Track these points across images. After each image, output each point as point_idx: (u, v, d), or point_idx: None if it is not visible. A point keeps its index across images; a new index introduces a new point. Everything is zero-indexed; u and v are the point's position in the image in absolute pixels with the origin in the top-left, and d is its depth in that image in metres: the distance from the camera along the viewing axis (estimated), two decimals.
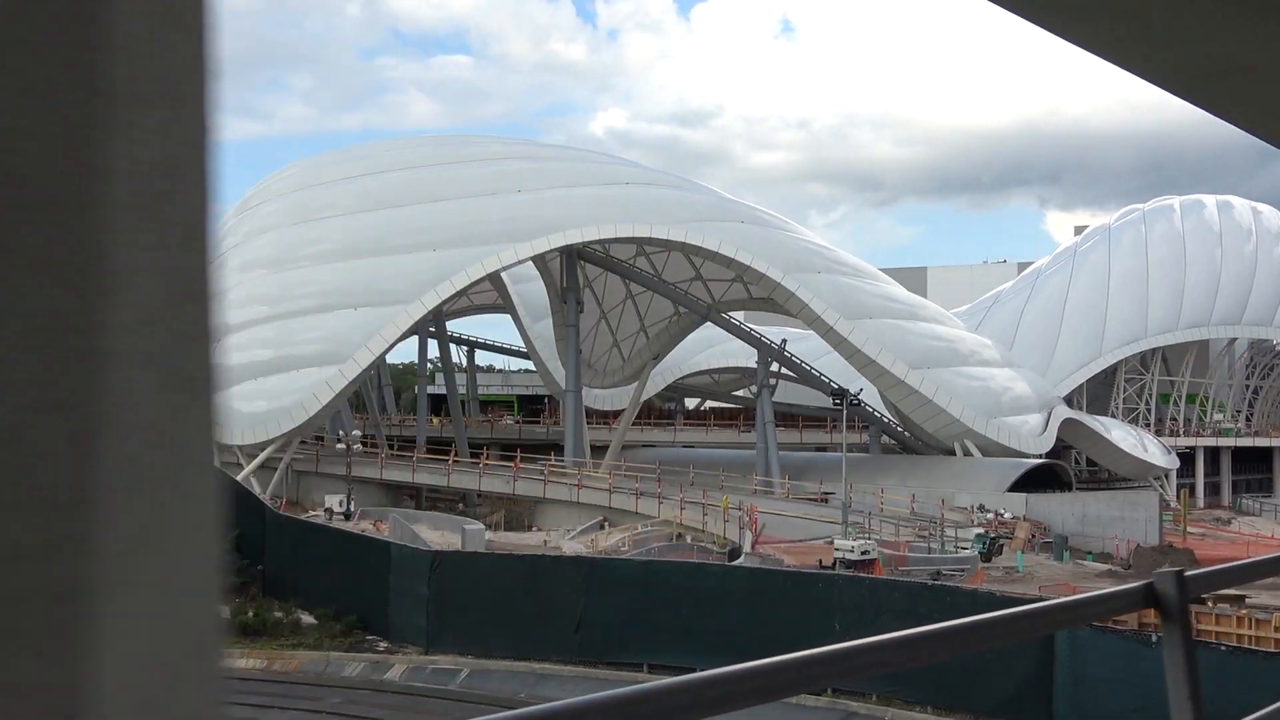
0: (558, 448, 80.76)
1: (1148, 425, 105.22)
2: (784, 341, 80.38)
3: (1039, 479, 73.53)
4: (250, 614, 44.47)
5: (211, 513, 1.01)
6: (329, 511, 67.01)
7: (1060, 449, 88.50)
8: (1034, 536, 61.26)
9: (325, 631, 43.47)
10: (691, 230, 75.65)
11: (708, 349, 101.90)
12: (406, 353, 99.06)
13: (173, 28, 0.90)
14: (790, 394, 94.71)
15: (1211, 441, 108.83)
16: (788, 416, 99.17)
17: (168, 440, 0.96)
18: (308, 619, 44.81)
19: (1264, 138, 4.33)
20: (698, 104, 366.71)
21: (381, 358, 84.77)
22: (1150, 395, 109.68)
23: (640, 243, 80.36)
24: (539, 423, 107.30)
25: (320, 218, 79.20)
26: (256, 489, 71.00)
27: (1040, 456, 77.46)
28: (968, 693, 31.27)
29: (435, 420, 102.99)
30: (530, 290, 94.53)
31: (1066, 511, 67.31)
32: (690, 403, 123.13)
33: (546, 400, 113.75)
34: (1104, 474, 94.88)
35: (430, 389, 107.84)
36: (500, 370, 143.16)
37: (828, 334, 76.55)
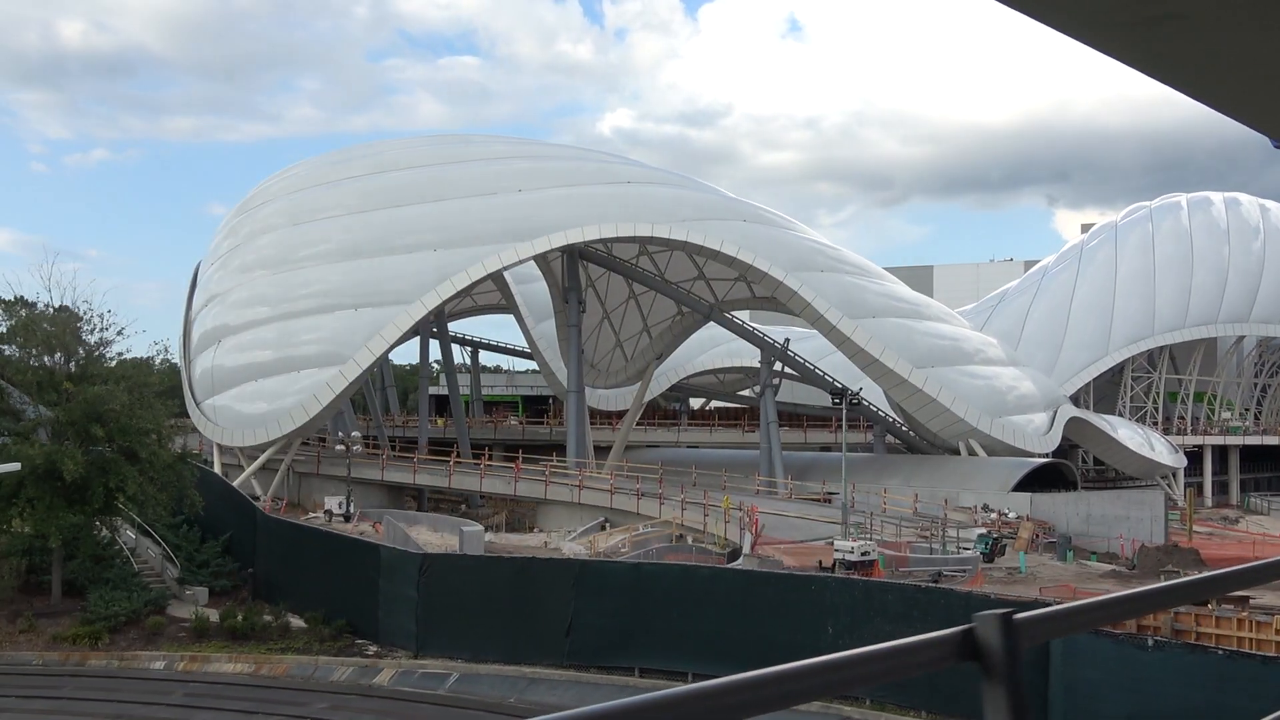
0: (561, 448, 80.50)
1: (1155, 424, 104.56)
2: (787, 341, 79.84)
3: (1045, 478, 73.05)
4: (239, 617, 44.10)
5: None
6: (328, 513, 66.75)
7: (1067, 448, 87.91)
8: (1037, 536, 60.68)
9: (314, 635, 43.07)
10: (693, 229, 75.18)
11: (712, 349, 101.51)
12: (412, 353, 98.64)
13: None
14: (796, 394, 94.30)
15: (1219, 440, 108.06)
16: (793, 416, 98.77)
17: None
18: (297, 622, 44.41)
19: (1194, 95, 3.86)
20: (706, 104, 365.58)
21: (383, 358, 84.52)
22: (1158, 394, 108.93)
23: (642, 242, 79.98)
24: (543, 423, 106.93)
25: (321, 218, 78.90)
26: (258, 490, 70.83)
27: (1046, 456, 76.93)
28: (961, 697, 30.70)
29: (440, 421, 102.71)
30: (534, 290, 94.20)
31: (1071, 511, 66.71)
32: (695, 403, 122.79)
33: (551, 401, 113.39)
34: (1111, 473, 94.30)
35: (435, 390, 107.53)
36: (505, 371, 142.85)
37: (830, 333, 75.96)
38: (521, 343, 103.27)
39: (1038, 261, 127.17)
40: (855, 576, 43.08)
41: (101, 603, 45.38)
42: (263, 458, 72.61)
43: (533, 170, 79.79)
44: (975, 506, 66.47)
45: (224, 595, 49.40)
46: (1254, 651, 30.41)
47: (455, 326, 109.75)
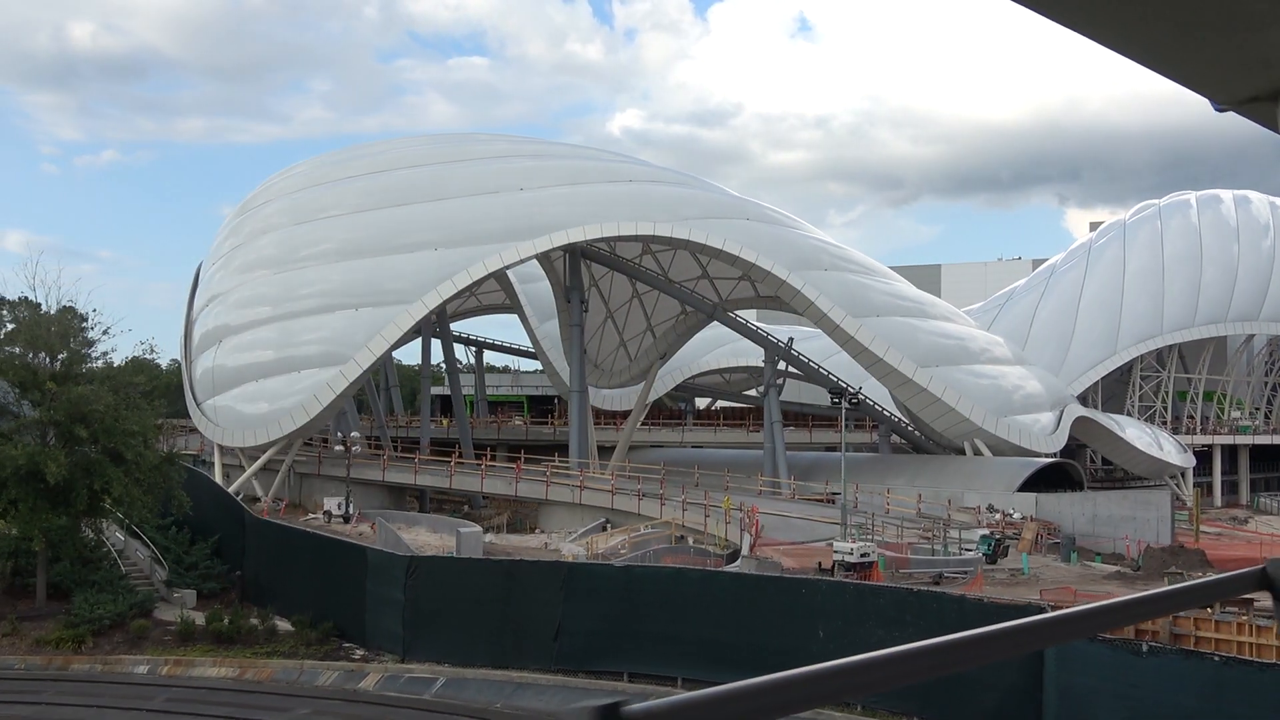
0: (565, 449, 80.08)
1: (1164, 423, 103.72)
2: (791, 340, 79.19)
3: (1051, 478, 72.34)
4: (225, 621, 43.60)
5: None
6: (328, 514, 66.39)
7: (1074, 448, 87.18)
8: (1041, 537, 59.98)
9: (301, 639, 42.57)
10: (695, 228, 74.65)
11: (718, 348, 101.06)
12: (419, 352, 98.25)
13: None
14: (802, 394, 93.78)
15: (1229, 439, 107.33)
16: (798, 416, 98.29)
17: None
18: (285, 625, 43.92)
19: (1129, 54, 3.35)
20: (715, 104, 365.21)
21: (385, 358, 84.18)
22: (1167, 393, 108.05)
23: (645, 241, 79.50)
24: (547, 423, 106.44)
25: (323, 217, 78.52)
26: (259, 491, 70.50)
27: (1052, 456, 76.20)
28: (955, 703, 30.12)
29: (444, 421, 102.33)
30: (538, 290, 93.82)
31: (1077, 511, 66.10)
32: (701, 403, 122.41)
33: (556, 401, 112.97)
34: (1120, 473, 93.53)
35: (441, 390, 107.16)
36: (512, 371, 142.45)
37: (834, 332, 75.34)
38: (527, 343, 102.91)
39: (1046, 260, 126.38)
40: (853, 578, 42.56)
41: (86, 606, 44.91)
42: (263, 458, 72.25)
43: (535, 169, 79.30)
44: (979, 507, 65.83)
45: (212, 598, 48.95)
46: (1250, 658, 29.71)
47: (461, 326, 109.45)
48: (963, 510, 64.77)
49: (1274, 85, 3.36)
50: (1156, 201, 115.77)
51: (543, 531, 66.88)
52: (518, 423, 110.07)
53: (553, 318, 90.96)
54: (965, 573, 48.16)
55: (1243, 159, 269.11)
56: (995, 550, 53.45)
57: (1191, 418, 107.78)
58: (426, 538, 57.63)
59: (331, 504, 67.22)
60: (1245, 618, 33.69)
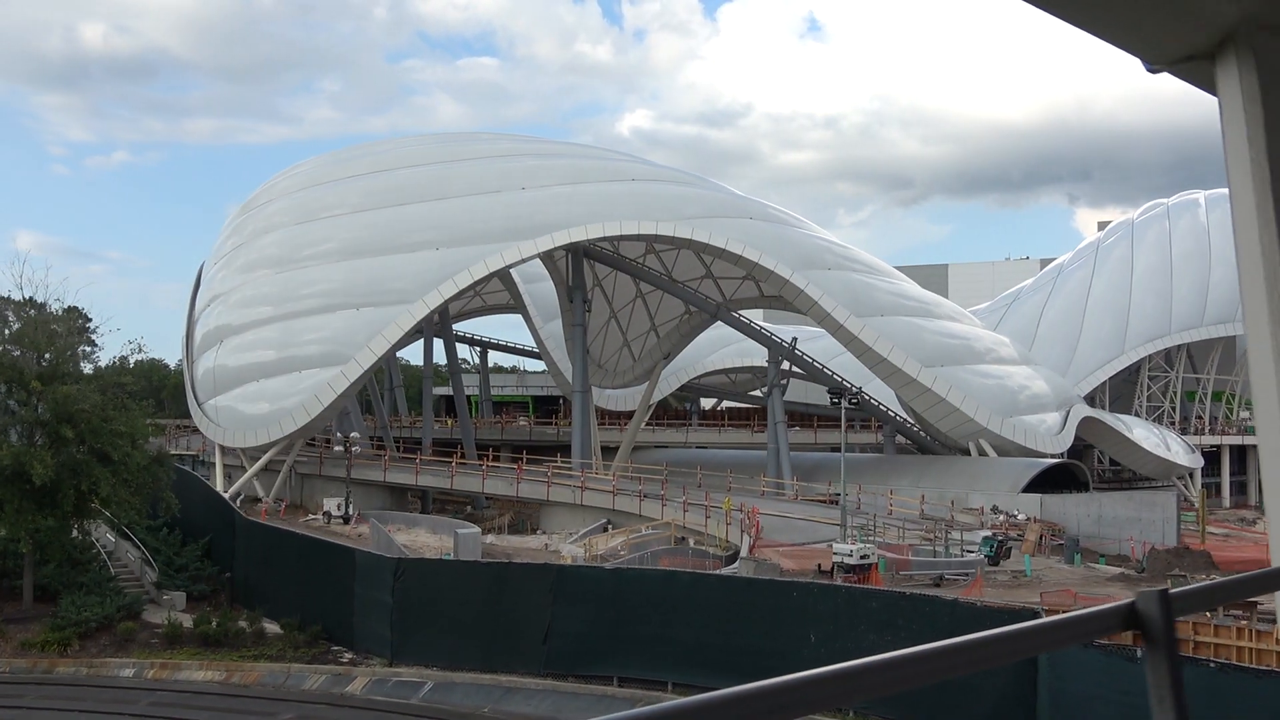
0: (568, 449, 79.64)
1: (1172, 424, 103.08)
2: (794, 340, 78.66)
3: (1057, 479, 71.75)
4: (213, 623, 43.17)
5: None
6: (327, 515, 66.07)
7: (1081, 448, 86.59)
8: (1044, 538, 59.39)
9: (289, 642, 42.16)
10: (698, 227, 74.16)
11: (722, 348, 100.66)
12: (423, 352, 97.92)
13: None
14: (808, 394, 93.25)
15: (1237, 440, 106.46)
16: (803, 416, 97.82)
17: None
18: (273, 628, 43.48)
19: (1060, 14, 3.03)
20: (725, 104, 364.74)
21: (388, 358, 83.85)
22: (1175, 393, 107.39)
23: (648, 240, 79.07)
24: (551, 424, 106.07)
25: (325, 217, 78.30)
26: (260, 492, 70.23)
27: (1058, 456, 75.57)
28: (947, 709, 29.60)
29: (449, 421, 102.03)
30: (542, 290, 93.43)
31: (1082, 512, 65.45)
32: (707, 403, 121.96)
33: (561, 401, 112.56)
34: (1128, 474, 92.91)
35: (446, 390, 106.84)
36: (517, 371, 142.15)
37: (838, 331, 74.82)
38: (531, 343, 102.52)
39: (1054, 260, 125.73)
40: (853, 580, 42.10)
41: (73, 608, 44.50)
42: (264, 458, 71.97)
43: (537, 168, 78.91)
44: (983, 507, 65.26)
45: (202, 600, 48.58)
46: (1247, 664, 29.15)
47: (465, 326, 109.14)
48: (967, 511, 64.19)
49: (1211, 42, 3.02)
50: (1165, 200, 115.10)
51: (543, 532, 66.48)
52: (522, 423, 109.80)
53: (557, 318, 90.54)
54: (966, 575, 47.65)
55: None
56: (997, 552, 52.88)
57: (1200, 418, 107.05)
58: (426, 539, 57.25)
59: (331, 505, 66.90)
60: (1245, 623, 33.13)
